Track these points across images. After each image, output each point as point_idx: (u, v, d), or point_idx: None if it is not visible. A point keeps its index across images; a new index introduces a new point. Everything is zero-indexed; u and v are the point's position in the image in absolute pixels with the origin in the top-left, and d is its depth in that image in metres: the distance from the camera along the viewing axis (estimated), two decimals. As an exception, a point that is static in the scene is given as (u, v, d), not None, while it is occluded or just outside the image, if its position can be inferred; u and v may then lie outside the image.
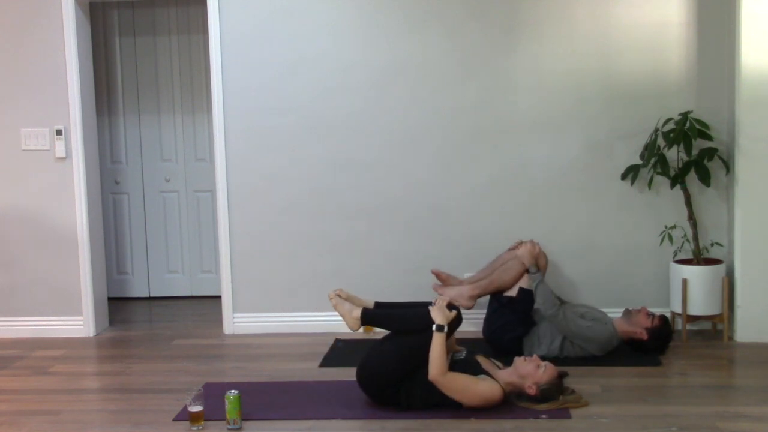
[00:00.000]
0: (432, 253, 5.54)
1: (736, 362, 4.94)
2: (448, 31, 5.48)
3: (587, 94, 5.45)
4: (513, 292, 5.03)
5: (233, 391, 4.01)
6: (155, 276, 6.89)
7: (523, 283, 5.00)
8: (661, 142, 5.20)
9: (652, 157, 5.19)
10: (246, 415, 4.06)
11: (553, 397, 4.10)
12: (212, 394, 4.26)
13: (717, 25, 5.31)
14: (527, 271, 5.00)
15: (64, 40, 5.56)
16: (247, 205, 5.67)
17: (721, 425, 3.90)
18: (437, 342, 4.05)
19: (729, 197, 5.34)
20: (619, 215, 5.50)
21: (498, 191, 5.54)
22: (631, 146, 5.41)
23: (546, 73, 5.46)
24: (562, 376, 4.20)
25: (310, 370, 4.89)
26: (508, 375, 4.16)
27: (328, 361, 5.05)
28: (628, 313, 4.97)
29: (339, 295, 4.41)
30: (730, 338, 5.27)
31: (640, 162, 5.32)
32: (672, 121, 5.22)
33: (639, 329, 4.88)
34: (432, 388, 4.06)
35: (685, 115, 5.15)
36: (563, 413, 4.06)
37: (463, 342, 4.69)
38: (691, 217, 5.27)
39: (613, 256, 5.52)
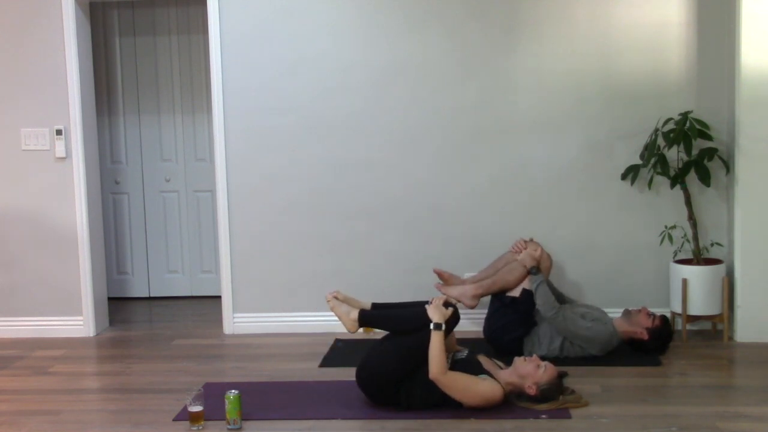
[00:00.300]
0: (432, 253, 5.54)
1: (736, 362, 4.94)
2: (448, 31, 5.48)
3: (587, 94, 5.45)
4: (516, 293, 5.03)
5: (233, 391, 4.01)
6: (155, 276, 6.89)
7: (527, 284, 5.00)
8: (661, 142, 5.20)
9: (652, 157, 5.18)
10: (246, 415, 4.06)
11: (553, 397, 4.10)
12: (212, 394, 4.26)
13: (717, 25, 5.31)
14: (530, 272, 4.99)
15: (64, 40, 5.56)
16: (247, 205, 5.67)
17: (721, 425, 3.90)
18: (436, 341, 4.05)
19: (729, 197, 5.34)
20: (619, 215, 5.50)
21: (498, 191, 5.55)
22: (631, 146, 5.41)
23: (546, 73, 5.46)
24: (562, 376, 4.20)
25: (310, 370, 4.89)
26: (508, 375, 4.16)
27: (328, 361, 5.05)
28: (627, 313, 4.97)
29: (336, 297, 4.42)
30: (730, 338, 5.27)
31: (640, 162, 5.32)
32: (672, 121, 5.22)
33: (639, 329, 4.88)
34: (432, 388, 4.06)
35: (685, 115, 5.15)
36: (563, 413, 4.06)
37: (464, 342, 4.69)
38: (691, 217, 5.27)
39: (613, 256, 5.52)
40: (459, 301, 5.15)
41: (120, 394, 4.64)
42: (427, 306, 4.21)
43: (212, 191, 6.55)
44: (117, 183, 6.83)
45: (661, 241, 5.34)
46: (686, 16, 5.34)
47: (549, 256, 5.18)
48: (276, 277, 5.70)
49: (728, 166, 5.23)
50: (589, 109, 5.46)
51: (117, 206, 6.85)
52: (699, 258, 5.26)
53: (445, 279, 5.29)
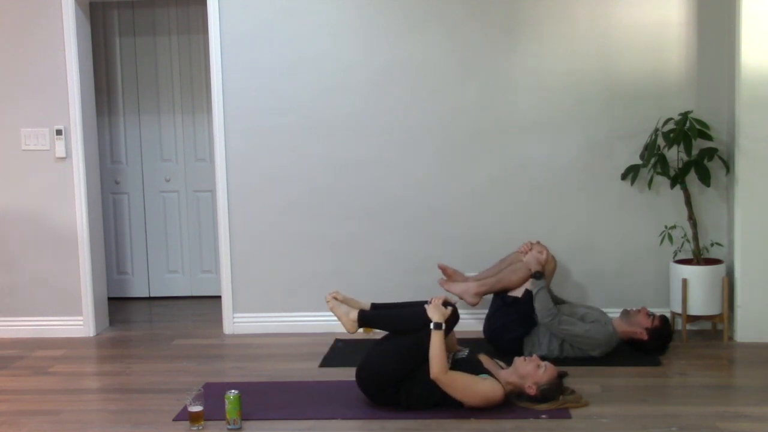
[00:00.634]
0: (432, 253, 5.54)
1: (736, 362, 4.94)
2: (448, 31, 5.48)
3: (587, 94, 5.45)
4: (518, 293, 5.02)
5: (233, 391, 4.01)
6: (155, 276, 6.89)
7: (529, 285, 4.99)
8: (661, 142, 5.20)
9: (652, 157, 5.18)
10: (246, 415, 4.06)
11: (553, 397, 4.10)
12: (212, 394, 4.26)
13: (717, 25, 5.31)
14: (533, 276, 4.98)
15: (64, 40, 5.56)
16: (247, 205, 5.67)
17: (721, 425, 3.90)
18: (436, 340, 4.05)
19: (729, 197, 5.34)
20: (619, 215, 5.50)
21: (498, 191, 5.55)
22: (631, 146, 5.41)
23: (546, 73, 5.46)
24: (562, 376, 4.20)
25: (310, 370, 4.89)
26: (508, 375, 4.16)
27: (328, 361, 5.05)
28: (626, 313, 4.97)
29: (335, 298, 4.42)
30: (730, 338, 5.27)
31: (640, 162, 5.32)
32: (672, 121, 5.22)
33: (639, 329, 4.87)
34: (432, 388, 4.06)
35: (685, 115, 5.15)
36: (563, 413, 4.06)
37: (465, 341, 4.69)
38: (691, 217, 5.27)
39: (613, 256, 5.52)
40: (461, 298, 5.16)
41: (120, 394, 4.64)
42: (426, 306, 4.21)
43: (212, 191, 6.55)
44: (117, 183, 6.83)
45: (661, 241, 5.34)
46: (686, 16, 5.34)
47: (554, 260, 5.18)
48: (276, 277, 5.70)
49: (728, 166, 5.23)
50: (589, 109, 5.46)
51: (117, 206, 6.85)
52: (699, 258, 5.26)
53: (449, 275, 5.30)
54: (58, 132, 5.61)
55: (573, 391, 4.21)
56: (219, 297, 5.89)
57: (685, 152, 5.15)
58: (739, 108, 5.14)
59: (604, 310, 5.14)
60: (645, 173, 5.32)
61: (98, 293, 5.85)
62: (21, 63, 5.60)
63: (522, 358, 4.20)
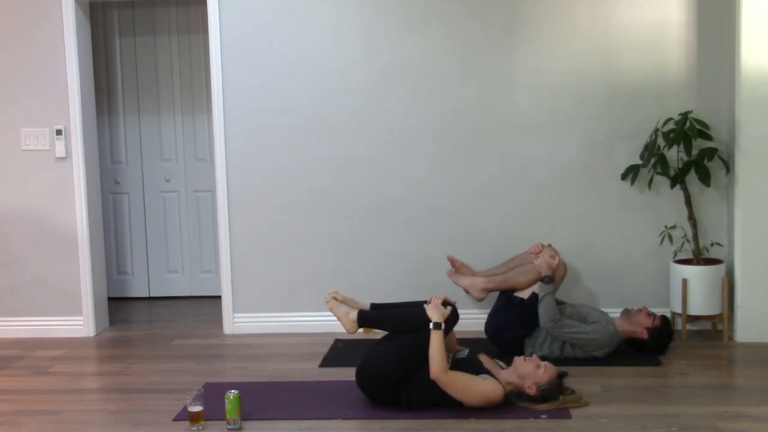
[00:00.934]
0: (432, 253, 5.54)
1: (736, 362, 4.94)
2: (448, 31, 5.48)
3: (587, 94, 5.45)
4: (525, 294, 5.02)
5: (233, 391, 4.01)
6: (155, 276, 6.89)
7: (536, 288, 4.99)
8: (661, 142, 5.20)
9: (652, 157, 5.18)
10: (246, 415, 4.06)
11: (553, 397, 4.10)
12: (212, 394, 4.26)
13: (717, 25, 5.31)
14: (542, 280, 4.98)
15: (64, 40, 5.56)
16: (247, 205, 5.67)
17: (721, 425, 3.90)
18: (435, 340, 4.05)
19: (729, 197, 5.34)
20: (619, 215, 5.50)
21: (498, 191, 5.54)
22: (631, 146, 5.40)
23: (546, 73, 5.45)
24: (562, 376, 4.20)
25: (310, 370, 4.89)
26: (508, 375, 4.16)
27: (328, 361, 5.05)
28: (627, 312, 4.97)
29: (335, 298, 4.42)
30: (730, 338, 5.26)
31: (640, 162, 5.32)
32: (672, 121, 5.22)
33: (640, 329, 4.87)
34: (432, 387, 4.06)
35: (685, 115, 5.15)
36: (563, 413, 4.06)
37: (465, 341, 4.69)
38: (691, 217, 5.27)
39: (613, 256, 5.52)
40: (468, 292, 5.17)
41: (120, 394, 4.64)
42: (425, 305, 4.21)
43: (212, 191, 6.55)
44: (117, 183, 6.83)
45: (661, 241, 5.34)
46: (686, 16, 5.34)
47: (565, 266, 5.16)
48: (276, 277, 5.70)
49: (728, 166, 5.23)
50: (589, 109, 5.46)
51: (117, 206, 6.85)
52: (699, 258, 5.26)
53: (457, 267, 5.32)
54: (58, 132, 5.61)
55: (573, 391, 4.21)
56: (219, 297, 5.89)
57: (685, 152, 5.15)
58: (739, 108, 5.14)
59: (604, 310, 5.15)
60: (645, 173, 5.32)
61: (98, 293, 5.85)
62: (21, 63, 5.60)
63: (522, 357, 4.20)
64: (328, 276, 5.61)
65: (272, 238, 5.67)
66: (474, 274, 5.29)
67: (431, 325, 4.09)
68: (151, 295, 6.90)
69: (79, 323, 5.77)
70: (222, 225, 5.68)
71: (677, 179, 5.21)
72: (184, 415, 4.10)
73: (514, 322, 4.95)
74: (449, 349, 4.25)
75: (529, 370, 4.10)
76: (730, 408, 4.13)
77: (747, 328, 5.20)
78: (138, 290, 6.91)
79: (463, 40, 5.47)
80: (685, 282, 5.17)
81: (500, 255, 5.36)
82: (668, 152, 5.20)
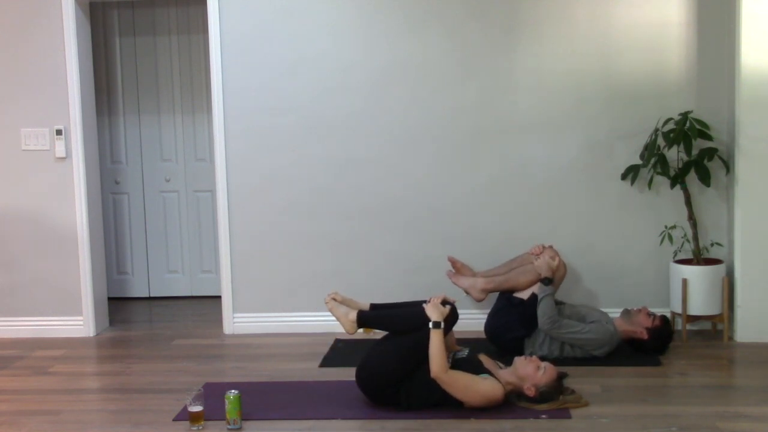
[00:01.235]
0: (432, 253, 5.54)
1: (736, 362, 4.94)
2: (448, 31, 5.48)
3: (587, 94, 5.45)
4: (525, 295, 5.01)
5: (233, 391, 4.01)
6: (155, 276, 6.89)
7: (536, 288, 4.99)
8: (661, 142, 5.20)
9: (652, 157, 5.18)
10: (246, 415, 4.06)
11: (552, 397, 4.10)
12: (212, 394, 4.26)
13: (717, 25, 5.31)
14: (542, 281, 4.97)
15: (64, 40, 5.56)
16: (247, 205, 5.67)
17: (721, 425, 3.90)
18: (435, 339, 4.05)
19: (729, 197, 5.34)
20: (619, 215, 5.50)
21: (498, 191, 5.54)
22: (631, 146, 5.40)
23: (546, 73, 5.45)
24: (561, 377, 4.19)
25: (310, 370, 4.89)
26: (508, 375, 4.16)
27: (328, 361, 5.05)
28: (627, 312, 4.97)
29: (334, 299, 4.42)
30: (730, 338, 5.26)
31: (640, 162, 5.32)
32: (672, 121, 5.22)
33: (640, 329, 4.88)
34: (432, 387, 4.06)
35: (685, 115, 5.15)
36: (563, 413, 4.06)
37: (465, 341, 4.69)
38: (691, 217, 5.27)
39: (613, 256, 5.52)
40: (468, 293, 5.18)
41: (120, 394, 4.64)
42: (424, 305, 4.21)
43: (212, 191, 6.54)
44: (117, 183, 6.83)
45: (661, 241, 5.34)
46: (686, 16, 5.34)
47: (565, 266, 5.16)
48: (276, 277, 5.69)
49: (728, 166, 5.23)
50: (589, 109, 5.46)
51: (117, 206, 6.85)
52: (699, 258, 5.26)
53: (458, 268, 5.32)
54: (58, 132, 5.61)
55: (573, 391, 4.21)
56: (219, 297, 5.89)
57: (685, 152, 5.15)
58: (739, 108, 5.14)
59: (604, 310, 5.15)
60: (645, 173, 5.32)
61: (98, 293, 5.85)
62: (21, 63, 5.60)
63: (522, 358, 4.20)
64: (328, 276, 5.61)
65: (272, 238, 5.67)
66: (474, 274, 5.29)
67: (431, 324, 4.09)
68: (151, 295, 6.90)
69: (79, 323, 5.77)
70: (222, 225, 5.68)
71: (677, 179, 5.21)
72: (184, 415, 4.10)
73: (513, 322, 4.95)
74: (449, 348, 4.25)
75: (529, 372, 4.10)
76: (730, 408, 4.13)
77: (747, 328, 5.20)
78: (138, 290, 6.91)
79: (463, 40, 5.47)
80: (685, 282, 5.17)
81: (500, 255, 5.36)
82: (668, 152, 5.20)
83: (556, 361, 4.49)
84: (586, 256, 5.52)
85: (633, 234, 5.49)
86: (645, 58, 5.39)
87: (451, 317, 4.22)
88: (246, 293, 5.72)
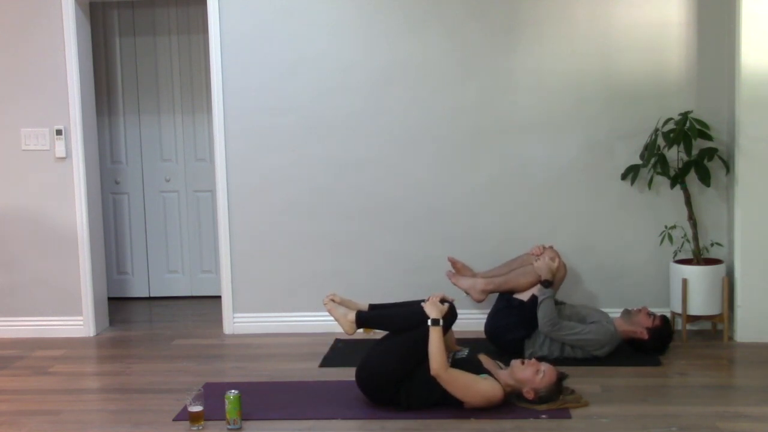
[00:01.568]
0: (432, 253, 5.54)
1: (736, 362, 4.94)
2: (448, 31, 5.48)
3: (587, 94, 5.45)
4: (524, 297, 5.01)
5: (233, 391, 4.01)
6: (155, 276, 6.89)
7: (536, 290, 4.98)
8: (661, 142, 5.20)
9: (652, 157, 5.18)
10: (246, 415, 4.06)
11: (552, 398, 4.10)
12: (212, 394, 4.26)
13: (717, 25, 5.31)
14: (541, 283, 4.97)
15: (64, 40, 5.56)
16: (247, 205, 5.67)
17: (721, 425, 3.90)
18: (434, 337, 4.05)
19: (729, 197, 5.34)
20: (619, 215, 5.50)
21: (498, 191, 5.54)
22: (631, 146, 5.40)
23: (546, 73, 5.45)
24: (561, 378, 4.17)
25: (310, 370, 4.89)
26: (506, 377, 4.15)
27: (328, 361, 5.05)
28: (627, 312, 4.97)
29: (333, 300, 4.42)
30: (730, 338, 5.26)
31: (640, 162, 5.32)
32: (672, 121, 5.22)
33: (640, 329, 4.87)
34: (432, 387, 4.06)
35: (685, 115, 5.15)
36: (563, 413, 4.06)
37: (464, 341, 4.69)
38: (691, 217, 5.27)
39: (613, 256, 5.52)
40: (468, 294, 5.17)
41: (120, 394, 4.64)
42: (423, 303, 4.21)
43: (212, 191, 6.54)
44: (117, 183, 6.83)
45: (661, 241, 5.34)
46: (686, 16, 5.34)
47: (565, 267, 5.15)
48: (276, 277, 5.70)
49: (728, 166, 5.23)
50: (589, 109, 5.46)
51: (117, 206, 6.85)
52: (699, 258, 5.26)
53: (458, 269, 5.31)
54: (58, 132, 5.61)
55: (573, 391, 4.21)
56: (219, 297, 5.89)
57: (685, 152, 5.15)
58: (739, 108, 5.14)
59: (605, 310, 5.15)
60: (645, 173, 5.32)
61: (98, 293, 5.85)
62: (21, 63, 5.60)
63: (518, 361, 4.18)
64: (328, 276, 5.61)
65: (272, 238, 5.67)
66: (474, 275, 5.29)
67: (429, 322, 4.09)
68: (151, 295, 6.91)
69: (79, 323, 5.77)
70: (222, 225, 5.68)
71: (677, 179, 5.21)
72: (184, 415, 4.10)
73: (513, 323, 4.95)
74: (448, 348, 4.25)
75: (528, 376, 4.09)
76: (730, 408, 4.13)
77: (747, 328, 5.20)
78: (138, 290, 6.91)
79: (463, 40, 5.47)
80: (685, 282, 5.17)
81: (500, 255, 5.36)
82: (668, 152, 5.20)
83: (556, 362, 4.50)
84: (586, 256, 5.51)
85: (633, 234, 5.50)
86: (645, 58, 5.39)
87: (450, 315, 4.22)
88: (246, 293, 5.72)
